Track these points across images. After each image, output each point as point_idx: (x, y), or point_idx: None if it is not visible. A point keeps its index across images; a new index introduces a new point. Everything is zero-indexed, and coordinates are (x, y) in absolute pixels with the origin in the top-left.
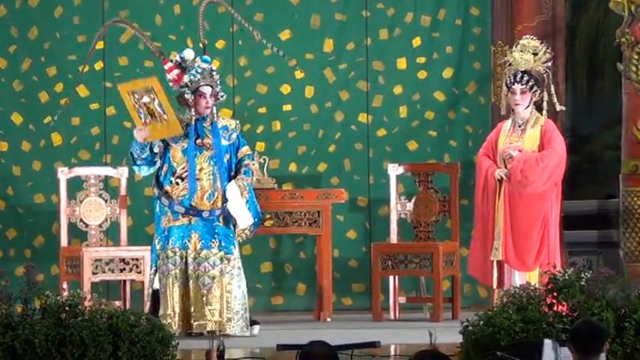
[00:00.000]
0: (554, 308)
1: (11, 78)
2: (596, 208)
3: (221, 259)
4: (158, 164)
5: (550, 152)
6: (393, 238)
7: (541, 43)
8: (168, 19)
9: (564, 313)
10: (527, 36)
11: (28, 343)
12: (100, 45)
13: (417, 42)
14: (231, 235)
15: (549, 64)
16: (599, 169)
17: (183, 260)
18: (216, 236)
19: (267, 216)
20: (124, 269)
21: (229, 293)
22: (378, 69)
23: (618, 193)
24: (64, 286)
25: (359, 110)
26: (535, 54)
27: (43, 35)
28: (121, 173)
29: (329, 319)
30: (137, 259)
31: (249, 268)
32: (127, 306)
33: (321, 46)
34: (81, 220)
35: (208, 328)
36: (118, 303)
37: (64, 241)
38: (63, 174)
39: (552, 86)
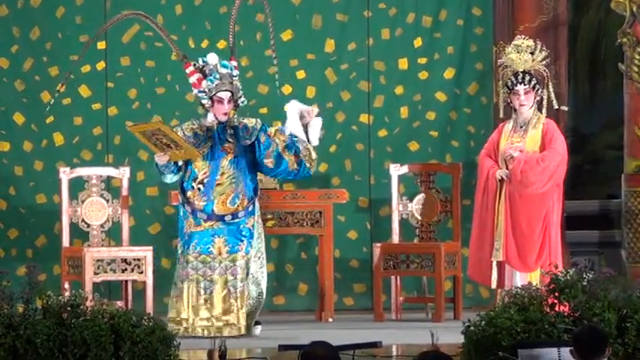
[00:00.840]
0: (556, 309)
1: (13, 78)
2: (598, 208)
3: (247, 261)
4: (183, 170)
5: (551, 153)
6: (395, 238)
7: (534, 42)
8: (169, 19)
9: (566, 314)
10: (520, 36)
11: (29, 343)
12: (101, 45)
13: (418, 42)
14: (249, 234)
15: (547, 61)
16: (600, 169)
17: (207, 265)
18: (243, 239)
19: (269, 216)
20: (126, 269)
21: (249, 293)
22: (379, 69)
23: (620, 193)
24: (66, 286)
25: (360, 110)
26: (532, 53)
27: (45, 35)
28: (123, 173)
29: (330, 319)
30: (139, 260)
31: None
32: (129, 306)
33: (322, 47)
34: (83, 220)
35: (239, 333)
36: (119, 303)
37: (65, 241)
38: (65, 174)
39: (551, 84)
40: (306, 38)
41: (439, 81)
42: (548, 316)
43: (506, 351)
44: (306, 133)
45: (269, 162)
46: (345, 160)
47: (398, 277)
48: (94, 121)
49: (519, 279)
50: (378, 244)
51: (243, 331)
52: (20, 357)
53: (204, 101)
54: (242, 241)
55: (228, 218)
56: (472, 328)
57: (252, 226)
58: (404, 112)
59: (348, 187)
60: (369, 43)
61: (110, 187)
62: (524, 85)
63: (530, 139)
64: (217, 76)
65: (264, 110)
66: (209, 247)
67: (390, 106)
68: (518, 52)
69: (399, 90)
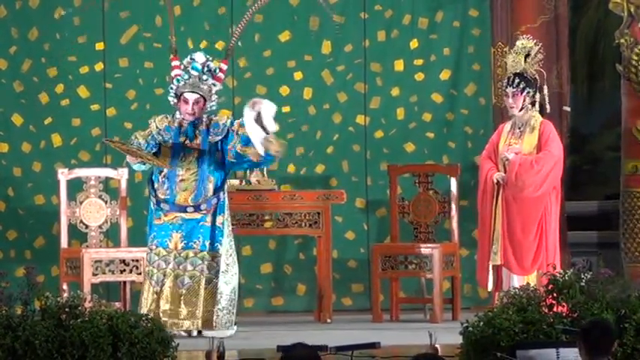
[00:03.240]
0: (555, 309)
1: (11, 79)
2: (597, 208)
3: (202, 259)
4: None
5: (545, 155)
6: (393, 238)
7: (536, 45)
8: (168, 20)
9: (564, 314)
10: (525, 36)
11: (28, 344)
12: (99, 46)
13: (414, 44)
14: (219, 231)
15: (541, 64)
16: (599, 169)
17: (162, 258)
18: (200, 235)
19: (267, 217)
20: (124, 270)
21: (213, 291)
22: (375, 71)
23: (619, 193)
24: (64, 287)
25: (357, 112)
26: (527, 55)
27: (43, 36)
28: (121, 174)
29: (329, 320)
30: (137, 260)
31: (249, 269)
32: (127, 307)
33: (319, 48)
34: (81, 222)
35: (184, 328)
36: (117, 304)
37: (64, 242)
38: (63, 175)
39: (545, 88)
40: (303, 40)
41: (435, 82)
42: (546, 317)
43: (505, 351)
44: (261, 123)
45: (230, 157)
46: (342, 161)
47: (396, 278)
48: (92, 122)
49: (516, 282)
50: (377, 245)
51: (186, 327)
52: (19, 358)
53: (170, 97)
54: (198, 238)
55: (190, 210)
56: (470, 328)
57: (222, 223)
58: (400, 113)
59: (345, 188)
60: (366, 44)
61: (108, 188)
62: (512, 87)
63: (527, 141)
64: (186, 76)
65: None
66: (166, 241)
67: (386, 107)
68: (515, 54)
69: (395, 91)
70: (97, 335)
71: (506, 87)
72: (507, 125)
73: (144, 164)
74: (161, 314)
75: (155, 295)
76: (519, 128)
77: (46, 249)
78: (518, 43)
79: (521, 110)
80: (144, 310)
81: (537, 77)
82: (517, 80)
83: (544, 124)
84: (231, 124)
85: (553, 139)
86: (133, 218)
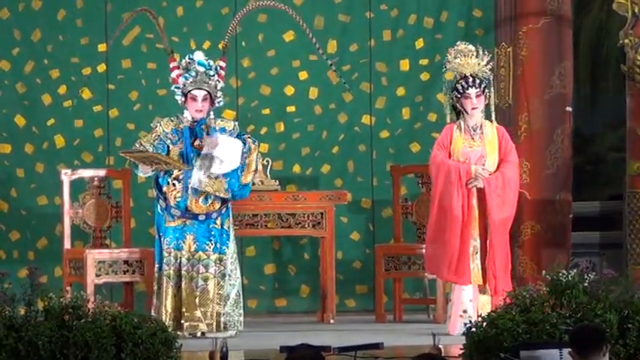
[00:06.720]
0: (558, 310)
1: (14, 80)
2: (600, 209)
3: (215, 261)
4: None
5: (513, 171)
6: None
7: (475, 47)
8: (171, 21)
9: (568, 315)
10: (461, 42)
11: (31, 344)
12: (102, 47)
13: (419, 44)
14: (225, 235)
15: (492, 64)
16: (602, 170)
17: (178, 261)
18: (212, 238)
19: (270, 218)
20: (127, 271)
21: (221, 295)
22: (381, 70)
23: (622, 194)
24: (68, 287)
25: (362, 112)
26: (476, 57)
27: (46, 38)
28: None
29: (332, 321)
30: (140, 261)
31: (252, 269)
32: (131, 308)
33: (324, 48)
34: (84, 222)
35: (201, 330)
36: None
37: (67, 243)
38: (66, 176)
39: (493, 90)
40: (308, 39)
41: (440, 82)
42: (549, 317)
43: (508, 352)
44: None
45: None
46: (348, 162)
47: (400, 279)
48: (95, 123)
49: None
50: (380, 246)
51: (202, 329)
52: (22, 359)
53: (177, 97)
54: (210, 240)
55: (201, 218)
56: (473, 329)
57: (228, 227)
58: (405, 113)
59: (350, 189)
60: (371, 44)
61: (111, 188)
62: (476, 88)
63: (489, 144)
64: (193, 73)
65: (266, 111)
66: (180, 244)
67: (392, 107)
68: (464, 56)
69: (400, 91)
70: (101, 336)
71: (467, 88)
72: (456, 129)
73: (156, 171)
74: (182, 319)
75: (174, 298)
76: (474, 130)
77: (49, 250)
78: (458, 47)
79: (481, 111)
80: (165, 317)
81: (489, 79)
82: (478, 81)
83: (500, 130)
84: (242, 139)
85: (512, 146)
86: (136, 219)
